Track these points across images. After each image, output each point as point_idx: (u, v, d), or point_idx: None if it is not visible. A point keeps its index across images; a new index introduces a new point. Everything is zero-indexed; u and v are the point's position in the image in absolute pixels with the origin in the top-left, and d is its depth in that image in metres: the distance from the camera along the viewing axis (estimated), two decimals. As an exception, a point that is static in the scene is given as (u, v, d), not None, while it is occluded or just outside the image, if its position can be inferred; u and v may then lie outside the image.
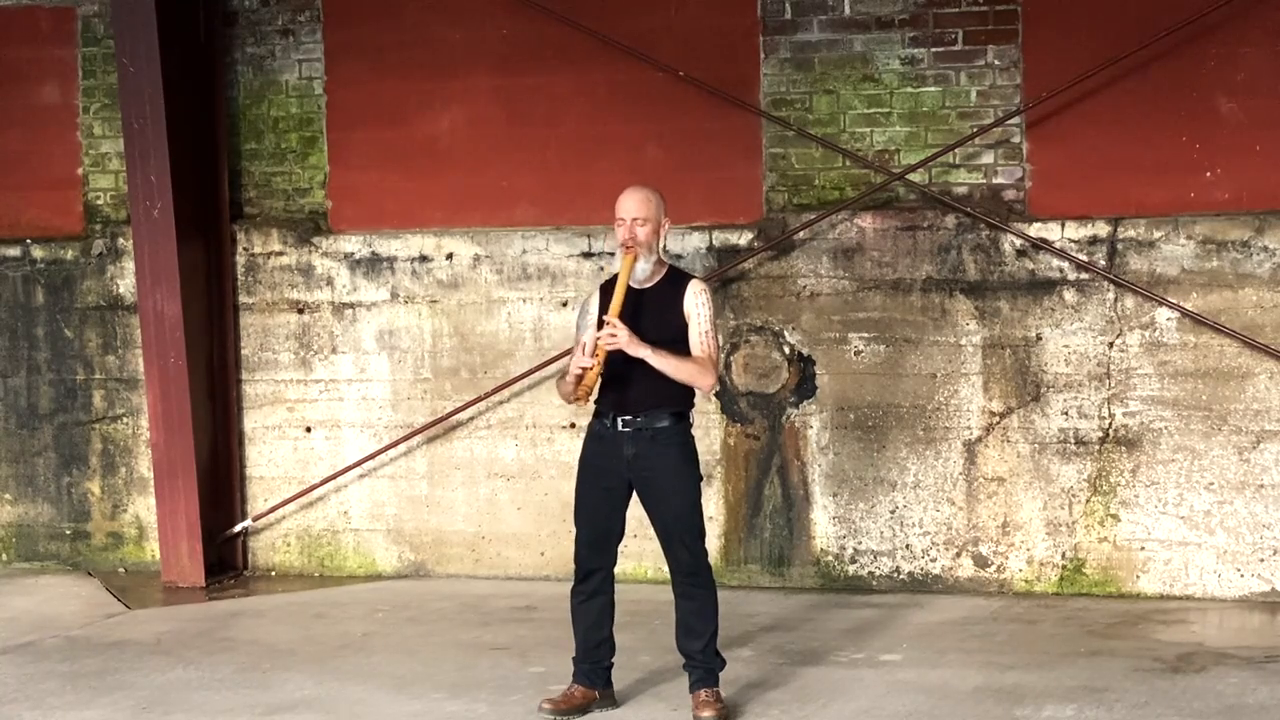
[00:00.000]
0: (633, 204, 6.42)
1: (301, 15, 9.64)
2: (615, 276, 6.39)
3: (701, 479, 6.49)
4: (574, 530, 6.51)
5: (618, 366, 6.30)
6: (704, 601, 6.40)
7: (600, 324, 6.29)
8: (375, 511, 9.62)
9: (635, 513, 6.45)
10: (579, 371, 6.24)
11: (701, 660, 6.42)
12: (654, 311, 6.33)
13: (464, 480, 9.46)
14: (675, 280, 6.45)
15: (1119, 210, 8.58)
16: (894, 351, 8.83)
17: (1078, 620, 8.05)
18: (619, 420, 6.35)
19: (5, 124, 10.04)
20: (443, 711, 6.63)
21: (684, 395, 6.39)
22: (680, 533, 6.35)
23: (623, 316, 6.23)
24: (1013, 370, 8.69)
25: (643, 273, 6.39)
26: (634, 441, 6.33)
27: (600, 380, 6.37)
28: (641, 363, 6.24)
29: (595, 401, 6.45)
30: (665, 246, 6.67)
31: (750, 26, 9.02)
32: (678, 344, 6.32)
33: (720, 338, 6.44)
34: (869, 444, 8.87)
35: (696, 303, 6.37)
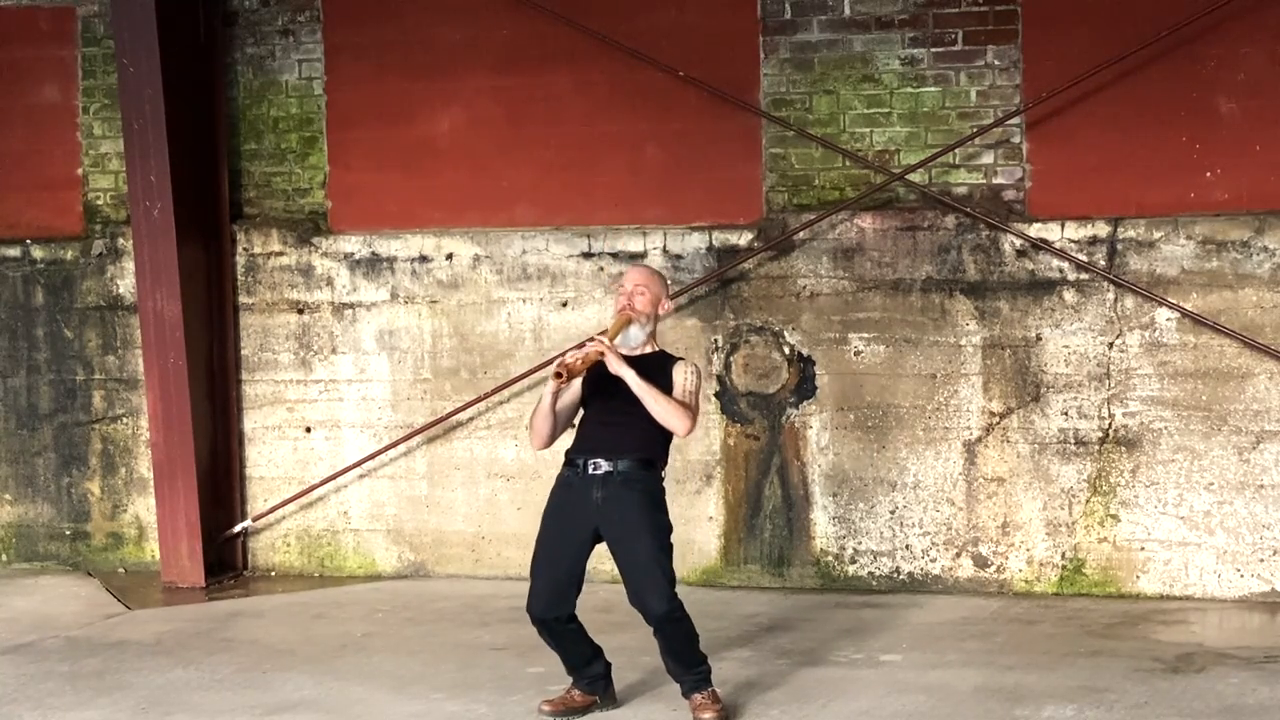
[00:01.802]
0: (638, 274, 6.52)
1: (301, 15, 9.64)
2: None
3: (671, 529, 6.33)
4: (529, 580, 6.37)
5: (597, 414, 6.34)
6: (683, 636, 6.31)
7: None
8: (375, 512, 9.62)
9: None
10: (569, 360, 6.18)
11: (688, 678, 6.40)
12: (642, 374, 6.26)
13: (464, 480, 9.46)
14: (665, 358, 6.46)
15: (1119, 210, 8.58)
16: (894, 352, 8.83)
17: (1078, 620, 8.05)
18: (589, 465, 6.30)
19: (5, 124, 10.04)
20: (443, 711, 6.63)
21: (655, 447, 6.36)
22: (650, 578, 6.19)
23: (608, 375, 6.21)
24: (1013, 370, 8.69)
25: (635, 339, 6.39)
26: (603, 485, 6.27)
27: (578, 432, 6.39)
28: (618, 411, 6.24)
29: (567, 452, 6.42)
30: (667, 314, 6.66)
31: (750, 26, 9.02)
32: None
33: (700, 405, 6.43)
34: (869, 444, 8.87)
35: (685, 372, 6.37)
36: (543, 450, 6.56)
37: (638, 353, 6.41)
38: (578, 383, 6.37)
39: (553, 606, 6.32)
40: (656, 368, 6.36)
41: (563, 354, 6.43)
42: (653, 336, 6.49)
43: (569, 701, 6.49)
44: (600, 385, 6.32)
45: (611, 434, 6.30)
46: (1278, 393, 8.34)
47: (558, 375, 6.18)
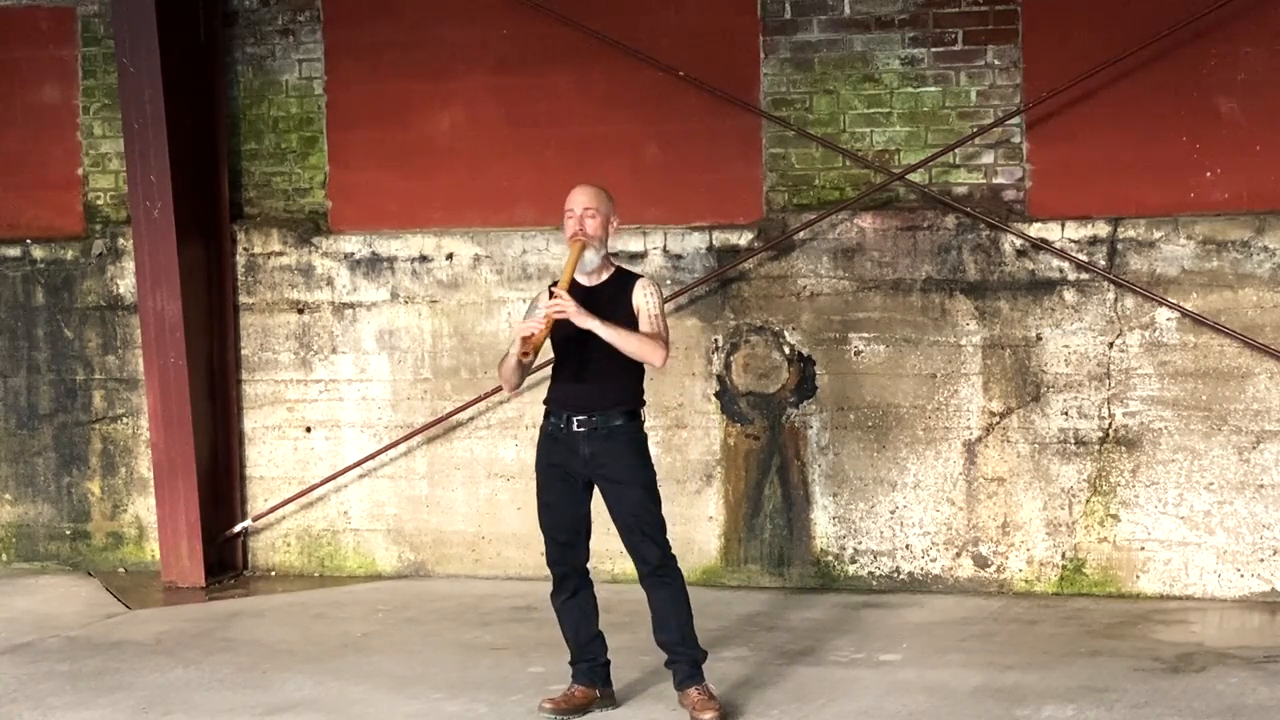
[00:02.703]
0: (584, 195, 6.48)
1: (301, 15, 9.64)
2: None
3: (655, 475, 6.50)
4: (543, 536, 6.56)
5: (567, 362, 6.41)
6: (674, 590, 6.43)
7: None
8: (375, 511, 9.62)
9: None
10: (527, 333, 6.23)
11: (682, 652, 6.45)
12: (602, 307, 6.33)
13: (464, 480, 9.46)
14: (623, 279, 6.51)
15: (1119, 210, 8.58)
16: (894, 351, 8.83)
17: (1078, 620, 8.05)
18: (574, 420, 6.39)
19: (5, 124, 10.04)
20: (443, 711, 6.63)
21: (635, 394, 6.47)
22: (642, 525, 6.37)
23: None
24: (1013, 370, 8.69)
25: (591, 263, 6.43)
26: (589, 441, 6.38)
27: (553, 379, 6.49)
28: (595, 363, 6.32)
29: (546, 401, 6.53)
30: (615, 249, 6.70)
31: (750, 26, 9.02)
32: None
33: (667, 324, 6.48)
34: (869, 444, 8.87)
35: (645, 294, 6.42)
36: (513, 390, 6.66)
37: (595, 281, 6.45)
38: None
39: (567, 556, 6.50)
40: (617, 293, 6.42)
41: (523, 320, 6.45)
42: (607, 258, 6.52)
43: (570, 699, 6.50)
44: (569, 333, 6.32)
45: (590, 388, 6.38)
46: (1278, 393, 8.34)
47: (524, 354, 6.24)
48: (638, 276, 6.54)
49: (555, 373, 6.56)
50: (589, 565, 6.61)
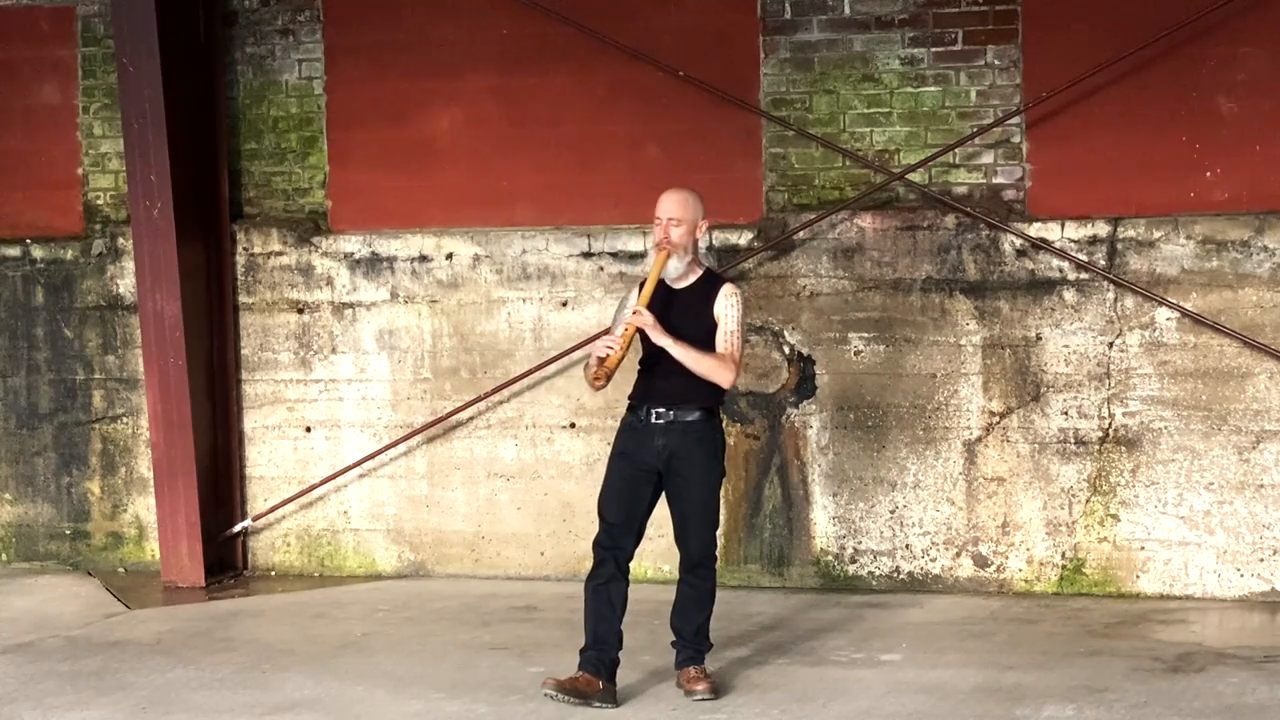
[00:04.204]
0: (670, 204, 6.66)
1: (301, 15, 9.64)
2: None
3: (724, 474, 6.75)
4: (595, 522, 6.72)
5: (651, 361, 6.61)
6: (704, 591, 6.70)
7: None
8: (375, 511, 9.62)
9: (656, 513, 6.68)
10: (603, 354, 6.48)
11: (692, 640, 6.69)
12: (685, 310, 6.58)
13: (464, 480, 9.46)
14: (710, 282, 6.69)
15: (1119, 210, 8.58)
16: (894, 351, 8.83)
17: (1078, 620, 8.05)
18: (652, 412, 6.60)
19: (5, 124, 10.04)
20: (443, 711, 6.63)
21: (713, 391, 6.63)
22: (696, 522, 6.61)
23: (654, 310, 6.50)
24: (1013, 370, 8.69)
25: (675, 271, 6.62)
26: (665, 433, 6.58)
27: (639, 374, 6.68)
28: (676, 366, 6.51)
29: (630, 396, 6.72)
30: (703, 248, 6.86)
31: (750, 26, 9.02)
32: (706, 344, 6.56)
33: (746, 342, 6.64)
34: (869, 444, 8.87)
35: (727, 304, 6.60)
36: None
37: (680, 285, 6.64)
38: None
39: (617, 537, 6.62)
40: (700, 299, 6.61)
41: (605, 333, 6.73)
42: (695, 259, 6.69)
43: (573, 681, 6.54)
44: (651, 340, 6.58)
45: (671, 385, 6.58)
46: (1278, 392, 8.34)
47: (596, 378, 6.51)
48: (724, 282, 6.72)
49: (641, 368, 6.73)
50: (630, 564, 6.71)
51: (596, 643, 6.60)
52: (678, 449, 6.57)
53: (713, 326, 6.58)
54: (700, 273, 6.70)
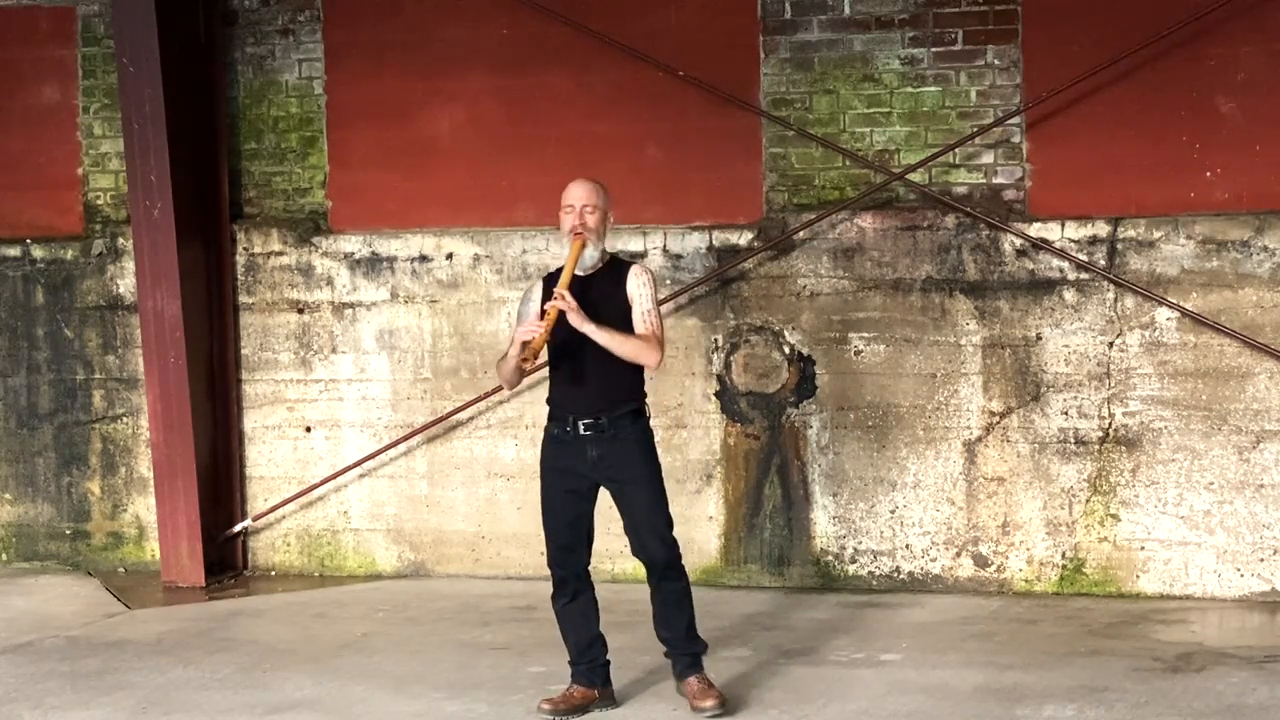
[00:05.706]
0: (583, 191, 6.49)
1: (301, 15, 9.64)
2: (560, 269, 6.46)
3: (662, 471, 6.55)
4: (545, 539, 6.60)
5: (566, 363, 6.43)
6: (680, 589, 6.51)
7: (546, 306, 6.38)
8: (375, 511, 9.62)
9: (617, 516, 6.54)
10: (527, 338, 6.27)
11: (684, 645, 6.53)
12: (598, 297, 6.38)
13: (464, 480, 9.46)
14: (617, 267, 6.55)
15: (1119, 210, 8.58)
16: (894, 351, 8.83)
17: (1078, 620, 8.05)
18: (579, 424, 6.42)
19: (5, 124, 10.04)
20: (443, 711, 6.63)
21: (635, 388, 6.49)
22: (651, 524, 6.41)
23: (570, 325, 6.29)
24: (1013, 370, 8.69)
25: (590, 259, 6.46)
26: (596, 444, 6.42)
27: (554, 380, 6.52)
28: (595, 363, 6.34)
29: (550, 403, 6.57)
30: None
31: (750, 26, 9.02)
32: (623, 328, 6.39)
33: (662, 319, 6.54)
34: (869, 444, 8.87)
35: (638, 283, 6.46)
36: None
37: (592, 272, 6.47)
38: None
39: (568, 560, 6.52)
40: (611, 283, 6.45)
41: (518, 317, 6.54)
42: (605, 249, 6.54)
43: (569, 699, 6.50)
44: (567, 334, 6.33)
45: (592, 389, 6.41)
46: (1278, 392, 8.35)
47: (524, 360, 6.30)
48: (630, 264, 6.59)
49: (554, 373, 6.58)
50: (589, 568, 6.63)
51: (581, 656, 6.57)
52: (612, 457, 6.39)
53: (627, 309, 6.40)
54: (608, 260, 6.54)
